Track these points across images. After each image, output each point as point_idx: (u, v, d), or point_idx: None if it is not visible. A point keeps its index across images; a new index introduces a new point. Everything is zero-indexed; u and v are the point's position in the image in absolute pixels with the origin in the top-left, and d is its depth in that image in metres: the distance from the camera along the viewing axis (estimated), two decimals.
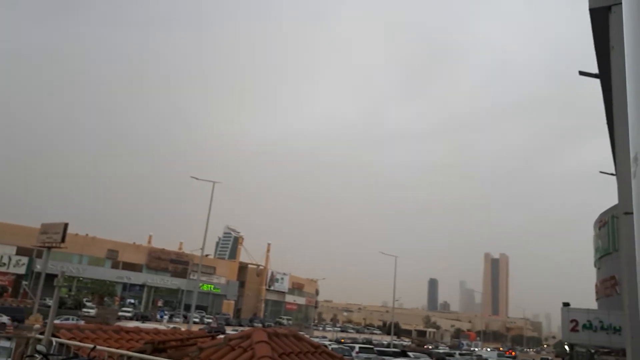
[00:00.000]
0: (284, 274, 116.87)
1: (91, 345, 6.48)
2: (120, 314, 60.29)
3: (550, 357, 71.13)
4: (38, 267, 62.02)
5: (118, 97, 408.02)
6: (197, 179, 40.62)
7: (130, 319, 55.00)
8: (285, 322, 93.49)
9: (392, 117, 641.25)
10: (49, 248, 40.79)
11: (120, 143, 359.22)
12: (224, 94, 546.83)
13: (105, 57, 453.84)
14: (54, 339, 7.23)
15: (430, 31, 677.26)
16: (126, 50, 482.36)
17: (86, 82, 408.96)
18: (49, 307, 7.43)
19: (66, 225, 40.23)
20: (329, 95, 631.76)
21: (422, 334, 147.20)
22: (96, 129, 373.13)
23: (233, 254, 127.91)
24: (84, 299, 66.70)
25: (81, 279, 79.52)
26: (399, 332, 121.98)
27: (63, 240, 39.52)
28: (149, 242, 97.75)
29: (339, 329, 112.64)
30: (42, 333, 7.29)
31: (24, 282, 67.54)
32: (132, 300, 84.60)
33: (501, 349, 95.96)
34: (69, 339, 7.81)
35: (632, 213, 1.97)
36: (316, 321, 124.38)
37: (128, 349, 7.43)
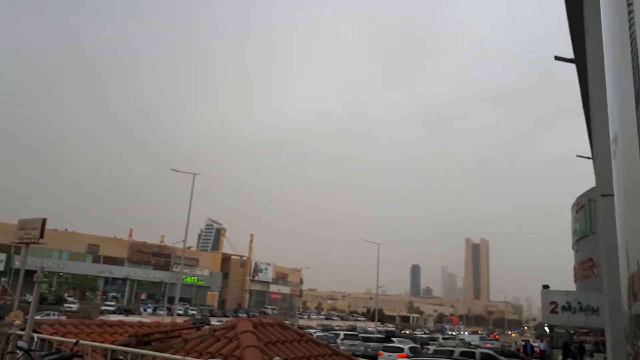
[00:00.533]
0: (268, 264, 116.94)
1: (74, 340, 6.39)
2: (103, 308, 59.66)
3: (531, 339, 72.97)
4: (17, 263, 60.89)
5: (97, 90, 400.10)
6: (177, 171, 40.20)
7: (114, 312, 54.49)
8: (270, 311, 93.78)
9: (374, 107, 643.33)
10: (28, 244, 40.00)
11: (98, 136, 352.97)
12: (205, 87, 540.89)
13: (88, 48, 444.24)
14: (35, 335, 7.12)
15: (411, 20, 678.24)
16: (109, 41, 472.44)
17: (64, 74, 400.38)
18: (29, 303, 7.31)
19: (44, 220, 39.37)
20: (310, 86, 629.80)
21: (405, 319, 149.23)
22: (73, 122, 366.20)
23: (216, 245, 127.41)
24: (65, 294, 65.80)
25: (62, 274, 78.42)
26: (383, 318, 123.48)
27: (42, 235, 38.71)
28: (130, 235, 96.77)
29: (323, 316, 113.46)
30: (22, 329, 7.17)
31: (2, 279, 66.30)
32: (115, 294, 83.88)
33: (480, 332, 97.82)
34: (51, 335, 7.70)
35: (609, 195, 2.01)
36: (301, 310, 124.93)
37: (112, 343, 7.36)
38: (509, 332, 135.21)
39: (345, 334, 38.10)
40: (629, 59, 1.86)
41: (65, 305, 56.46)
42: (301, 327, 38.49)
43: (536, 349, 41.77)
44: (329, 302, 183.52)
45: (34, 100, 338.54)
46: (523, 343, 48.74)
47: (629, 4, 1.88)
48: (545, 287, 36.61)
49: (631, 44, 1.87)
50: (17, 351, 6.31)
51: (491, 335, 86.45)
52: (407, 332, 76.82)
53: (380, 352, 28.35)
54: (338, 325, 72.33)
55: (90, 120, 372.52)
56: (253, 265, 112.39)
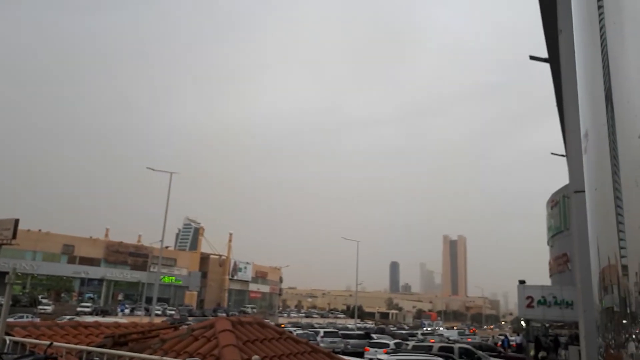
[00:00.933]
0: (247, 263, 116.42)
1: (47, 342, 6.25)
2: (78, 309, 58.62)
3: (507, 333, 74.51)
4: None
5: (72, 85, 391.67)
6: (153, 169, 39.66)
7: (90, 314, 53.57)
8: (249, 310, 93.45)
9: (351, 104, 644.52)
10: (0, 245, 39.06)
11: (73, 133, 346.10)
12: (182, 84, 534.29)
13: (42, 43, 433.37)
14: (7, 337, 6.95)
15: (387, 16, 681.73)
16: (64, 36, 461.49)
17: (36, 69, 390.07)
18: (1, 305, 7.12)
19: (17, 221, 38.61)
20: (287, 83, 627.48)
21: (385, 315, 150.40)
22: (46, 118, 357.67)
23: (194, 245, 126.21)
24: (40, 296, 64.38)
25: (36, 275, 76.70)
26: (363, 315, 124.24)
27: (14, 236, 38.00)
28: (106, 235, 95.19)
29: (303, 314, 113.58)
30: None
31: None
32: (91, 295, 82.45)
33: (455, 327, 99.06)
34: (24, 337, 7.53)
35: (582, 191, 2.06)
36: (281, 308, 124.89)
37: (88, 344, 7.23)
38: (485, 327, 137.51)
39: (325, 332, 38.29)
40: (599, 57, 1.90)
41: (40, 307, 55.28)
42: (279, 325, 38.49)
43: (513, 343, 42.63)
44: (309, 300, 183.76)
45: (4, 96, 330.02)
46: (502, 337, 49.71)
47: (599, 4, 1.91)
48: (522, 282, 37.39)
49: (601, 43, 1.91)
50: None
51: (471, 330, 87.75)
52: (393, 328, 77.53)
53: (367, 347, 28.71)
54: (318, 323, 72.44)
55: (64, 117, 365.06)
56: (232, 264, 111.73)
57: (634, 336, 1.65)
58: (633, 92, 1.76)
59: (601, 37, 1.91)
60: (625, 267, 1.70)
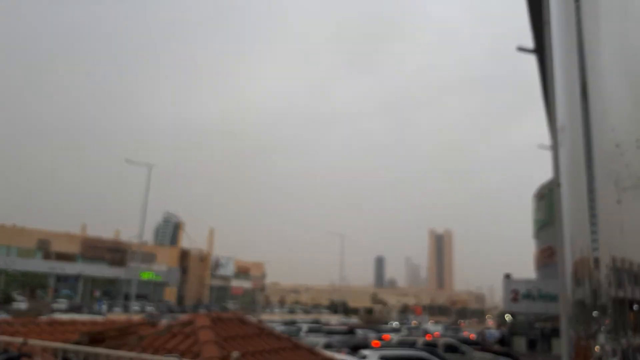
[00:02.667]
0: (229, 258, 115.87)
1: (22, 340, 6.12)
2: (54, 306, 57.64)
3: (492, 327, 75.84)
4: None
5: (46, 74, 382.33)
6: (131, 162, 39.15)
7: (66, 311, 52.72)
8: (231, 306, 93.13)
9: (337, 96, 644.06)
10: None
11: (47, 124, 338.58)
12: (162, 74, 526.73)
13: (36, 28, 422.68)
14: None
15: (374, 7, 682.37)
16: (35, 22, 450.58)
17: (9, 57, 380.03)
18: None
19: None
20: (272, 76, 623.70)
21: (369, 311, 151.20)
22: (19, 108, 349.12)
23: (174, 240, 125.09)
24: (14, 293, 63.10)
25: (9, 271, 75.10)
26: (347, 310, 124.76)
27: None
28: (83, 230, 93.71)
29: (287, 310, 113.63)
30: None
31: None
32: (68, 292, 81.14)
33: (433, 321, 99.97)
34: None
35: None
36: (263, 304, 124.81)
37: (63, 342, 7.10)
38: (467, 320, 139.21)
39: (308, 327, 38.43)
40: (575, 52, 1.92)
41: (14, 304, 54.21)
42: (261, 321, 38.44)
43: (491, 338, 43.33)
44: (293, 295, 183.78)
45: None
46: (482, 331, 50.62)
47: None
48: (507, 276, 37.93)
49: (578, 37, 1.93)
50: None
51: (461, 324, 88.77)
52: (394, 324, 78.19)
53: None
54: (302, 319, 72.60)
55: (38, 106, 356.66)
56: (213, 259, 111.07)
57: (602, 328, 1.68)
58: (608, 86, 1.79)
59: (577, 31, 1.93)
60: (597, 260, 1.73)
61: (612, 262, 1.68)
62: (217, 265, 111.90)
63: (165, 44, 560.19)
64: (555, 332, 34.93)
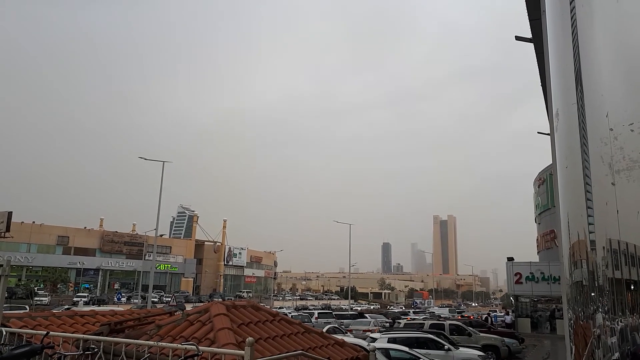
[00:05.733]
0: (242, 248, 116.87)
1: (44, 332, 6.31)
2: (75, 299, 58.67)
3: (497, 309, 75.74)
4: None
5: (65, 79, 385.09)
6: (145, 159, 39.35)
7: (86, 303, 53.66)
8: (245, 295, 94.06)
9: (344, 89, 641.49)
10: None
11: (66, 126, 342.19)
12: (175, 73, 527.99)
13: (33, 37, 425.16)
14: (3, 329, 6.99)
15: (379, 2, 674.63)
16: (55, 31, 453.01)
17: (38, 64, 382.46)
18: None
19: (10, 213, 38.39)
20: (281, 70, 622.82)
21: (378, 296, 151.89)
22: (39, 112, 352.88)
23: (189, 232, 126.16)
24: (36, 288, 64.34)
25: (31, 267, 76.54)
26: (356, 295, 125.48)
27: (8, 229, 37.83)
28: (101, 225, 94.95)
29: (298, 297, 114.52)
30: None
31: None
32: (88, 285, 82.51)
33: (438, 305, 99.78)
34: (20, 328, 7.58)
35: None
36: (276, 292, 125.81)
37: (84, 333, 7.30)
38: (475, 304, 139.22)
39: (319, 312, 38.95)
40: (569, 38, 1.96)
41: (36, 299, 55.26)
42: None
43: (500, 319, 43.39)
44: (304, 282, 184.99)
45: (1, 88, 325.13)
46: (485, 315, 50.82)
47: None
48: (510, 259, 38.04)
49: (572, 24, 1.96)
50: None
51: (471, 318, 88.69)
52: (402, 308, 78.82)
53: None
54: (313, 305, 73.19)
55: (58, 110, 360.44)
56: (227, 250, 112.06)
57: (601, 308, 1.74)
58: (601, 72, 1.83)
59: (572, 18, 1.97)
60: (593, 242, 1.78)
61: (608, 243, 1.73)
62: (230, 255, 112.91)
63: (182, 43, 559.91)
64: (558, 313, 35.05)
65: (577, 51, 1.92)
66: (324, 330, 18.83)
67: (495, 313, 53.66)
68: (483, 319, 41.55)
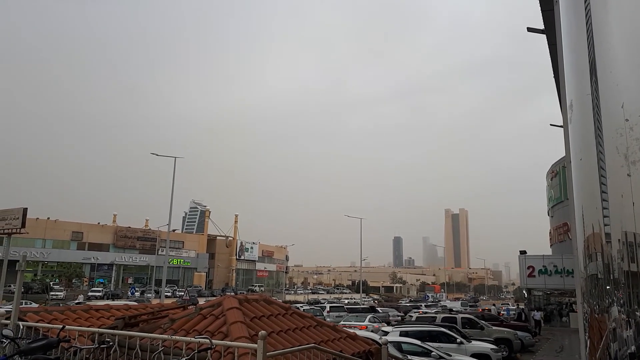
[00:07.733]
0: (253, 243, 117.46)
1: (60, 326, 6.41)
2: (90, 294, 59.50)
3: (510, 303, 75.30)
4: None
5: (62, 79, 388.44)
6: (157, 155, 39.59)
7: (101, 298, 54.40)
8: (257, 289, 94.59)
9: (354, 82, 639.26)
10: (9, 234, 39.41)
11: (79, 122, 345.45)
12: (186, 69, 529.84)
13: (41, 32, 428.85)
14: (20, 323, 7.11)
15: None
16: (63, 25, 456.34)
17: (57, 60, 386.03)
18: (14, 293, 7.22)
19: (25, 210, 38.73)
20: (291, 65, 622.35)
21: (389, 289, 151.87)
22: (52, 108, 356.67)
23: (201, 227, 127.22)
24: (51, 283, 65.31)
25: (46, 262, 77.68)
26: (368, 289, 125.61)
27: (23, 225, 38.17)
28: (114, 221, 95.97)
29: (309, 291, 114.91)
30: (8, 318, 7.15)
31: None
32: (102, 280, 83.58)
33: (451, 299, 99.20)
34: (37, 322, 7.71)
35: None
36: (287, 286, 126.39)
37: (99, 327, 7.40)
38: (485, 298, 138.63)
39: (331, 306, 39.05)
40: (584, 29, 1.93)
41: (52, 293, 56.09)
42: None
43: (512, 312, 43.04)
44: (315, 277, 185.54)
45: (5, 89, 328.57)
46: (498, 307, 50.45)
47: None
48: (523, 252, 37.75)
49: (586, 14, 1.93)
50: (3, 340, 6.31)
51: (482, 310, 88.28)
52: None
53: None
54: (324, 299, 73.35)
55: (70, 106, 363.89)
56: (238, 244, 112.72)
57: (616, 301, 1.72)
58: (616, 62, 1.79)
59: (585, 8, 1.93)
60: (608, 235, 1.76)
61: (624, 236, 1.71)
62: (242, 250, 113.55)
63: (192, 37, 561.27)
64: (572, 307, 34.79)
65: (591, 41, 1.89)
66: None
67: (507, 307, 53.31)
68: (516, 314, 39.92)
